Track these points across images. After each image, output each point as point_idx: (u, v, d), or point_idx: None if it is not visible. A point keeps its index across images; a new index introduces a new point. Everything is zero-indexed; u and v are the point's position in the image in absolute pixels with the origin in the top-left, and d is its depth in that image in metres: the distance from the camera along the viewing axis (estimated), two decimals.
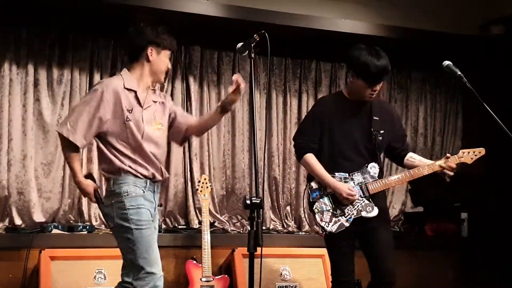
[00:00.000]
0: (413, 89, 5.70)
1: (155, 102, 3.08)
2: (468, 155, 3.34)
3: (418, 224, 5.35)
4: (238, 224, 5.05)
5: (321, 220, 3.29)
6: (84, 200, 4.58)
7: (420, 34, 4.98)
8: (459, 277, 5.22)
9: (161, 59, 3.04)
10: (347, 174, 3.33)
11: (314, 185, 3.37)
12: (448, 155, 3.37)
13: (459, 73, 2.91)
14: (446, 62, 2.97)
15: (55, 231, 4.34)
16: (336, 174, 3.33)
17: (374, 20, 4.93)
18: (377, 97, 3.49)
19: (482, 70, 5.13)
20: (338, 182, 3.30)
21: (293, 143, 3.55)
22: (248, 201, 2.67)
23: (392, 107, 3.78)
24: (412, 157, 3.45)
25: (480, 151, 3.34)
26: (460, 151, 3.37)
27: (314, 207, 3.32)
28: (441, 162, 3.31)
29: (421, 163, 3.38)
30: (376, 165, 3.36)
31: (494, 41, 5.02)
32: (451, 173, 3.32)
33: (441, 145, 5.73)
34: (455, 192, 5.29)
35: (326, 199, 3.32)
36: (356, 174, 3.34)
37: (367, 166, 3.35)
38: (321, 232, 3.31)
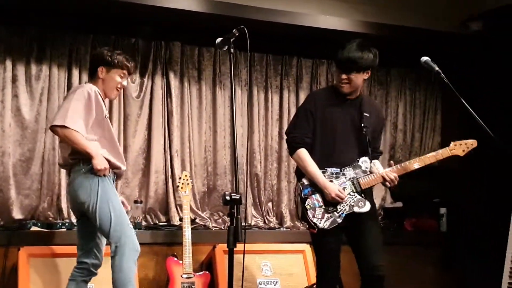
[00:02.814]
0: (393, 86, 5.73)
1: None
2: (460, 147, 3.34)
3: (397, 219, 5.39)
4: (220, 220, 5.04)
5: (313, 216, 3.29)
6: (63, 197, 4.54)
7: (400, 31, 5.00)
8: (438, 271, 5.27)
9: (110, 77, 3.49)
10: (338, 169, 3.35)
11: (305, 181, 3.37)
12: (391, 162, 3.41)
13: (437, 68, 2.94)
14: (424, 58, 2.99)
15: (34, 228, 4.30)
16: (328, 169, 3.34)
17: (354, 16, 4.94)
18: (362, 93, 3.54)
19: (461, 67, 5.17)
20: (328, 182, 3.30)
21: (285, 137, 3.56)
22: (227, 197, 2.68)
23: (381, 109, 3.85)
24: (373, 163, 3.45)
25: (472, 143, 3.34)
26: (452, 143, 3.36)
27: (306, 204, 3.32)
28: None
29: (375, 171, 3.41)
30: (367, 159, 3.37)
31: (472, 38, 5.07)
32: (389, 185, 3.37)
33: (420, 141, 5.78)
34: (434, 187, 5.34)
35: (318, 196, 3.33)
36: (347, 169, 3.35)
37: (358, 161, 3.36)
38: (313, 228, 3.31)
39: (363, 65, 3.32)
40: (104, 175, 3.34)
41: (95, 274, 3.49)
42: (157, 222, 4.84)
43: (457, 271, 5.22)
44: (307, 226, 3.39)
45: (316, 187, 3.34)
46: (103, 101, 3.51)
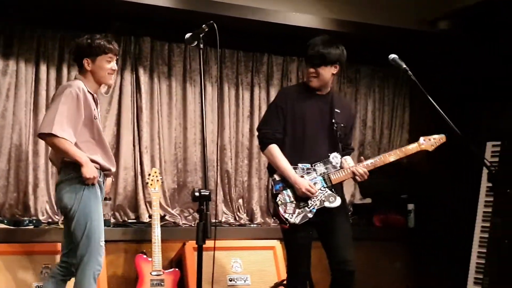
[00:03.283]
0: (362, 83, 5.78)
1: None
2: (429, 142, 3.40)
3: (366, 215, 5.45)
4: (190, 217, 5.02)
5: (285, 212, 3.32)
6: (31, 194, 4.47)
7: (370, 29, 5.05)
8: (406, 267, 5.35)
9: (98, 66, 3.37)
10: (309, 165, 3.38)
11: (277, 177, 3.40)
12: (362, 158, 3.47)
13: (404, 66, 2.97)
14: (392, 56, 3.03)
15: (0, 225, 4.22)
16: (299, 165, 3.38)
17: (325, 14, 4.97)
18: (333, 90, 3.59)
19: (429, 65, 5.25)
20: (298, 177, 3.33)
21: (256, 133, 3.58)
22: (196, 193, 2.68)
23: (352, 105, 3.91)
24: (345, 159, 3.50)
25: (441, 138, 3.41)
26: (421, 138, 3.43)
27: (278, 199, 3.35)
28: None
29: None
30: (338, 155, 3.42)
31: (440, 36, 5.15)
32: (359, 179, 3.42)
33: (389, 138, 5.85)
34: (402, 183, 5.42)
35: (289, 191, 3.36)
36: (318, 164, 3.39)
37: (329, 156, 3.40)
38: (285, 224, 3.33)
39: (330, 58, 3.40)
40: (93, 184, 3.28)
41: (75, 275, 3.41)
42: (126, 219, 4.79)
43: (424, 266, 5.30)
44: (279, 221, 3.41)
45: (287, 183, 3.36)
46: (94, 99, 3.42)
